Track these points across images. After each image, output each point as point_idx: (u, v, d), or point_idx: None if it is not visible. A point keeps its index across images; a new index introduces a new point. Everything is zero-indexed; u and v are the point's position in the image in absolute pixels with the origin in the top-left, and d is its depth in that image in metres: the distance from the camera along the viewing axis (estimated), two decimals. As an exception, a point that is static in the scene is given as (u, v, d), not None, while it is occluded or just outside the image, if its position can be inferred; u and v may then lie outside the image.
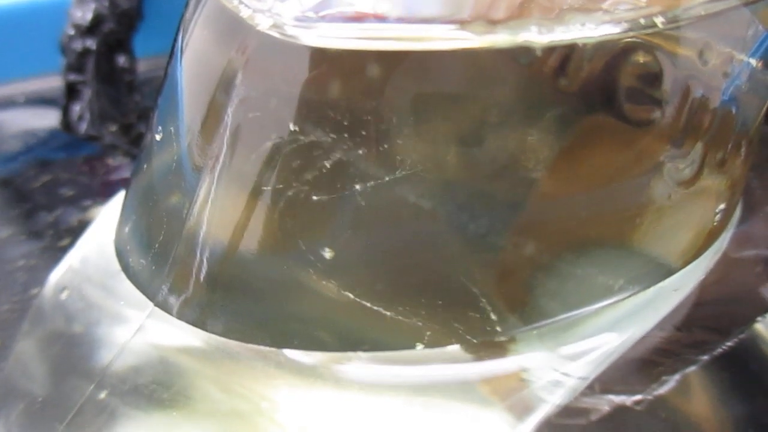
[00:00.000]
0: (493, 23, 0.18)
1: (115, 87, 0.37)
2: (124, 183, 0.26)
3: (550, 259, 0.20)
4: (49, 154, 0.36)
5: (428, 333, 0.20)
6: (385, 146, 0.19)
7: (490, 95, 0.19)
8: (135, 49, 0.39)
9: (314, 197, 0.19)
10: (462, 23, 0.18)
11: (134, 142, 0.36)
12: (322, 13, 0.19)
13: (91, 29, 0.37)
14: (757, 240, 0.25)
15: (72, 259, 0.25)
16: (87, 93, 0.36)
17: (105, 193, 0.33)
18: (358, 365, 0.20)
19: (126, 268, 0.23)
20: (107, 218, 0.25)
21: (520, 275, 0.20)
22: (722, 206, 0.23)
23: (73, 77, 0.37)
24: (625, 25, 0.19)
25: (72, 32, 0.37)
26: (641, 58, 0.19)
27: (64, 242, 0.30)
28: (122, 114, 0.37)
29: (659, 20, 0.19)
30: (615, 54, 0.19)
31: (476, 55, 0.18)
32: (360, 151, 0.19)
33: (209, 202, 0.20)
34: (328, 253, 0.20)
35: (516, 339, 0.21)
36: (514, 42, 0.18)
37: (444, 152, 0.19)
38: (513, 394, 0.20)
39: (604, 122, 0.20)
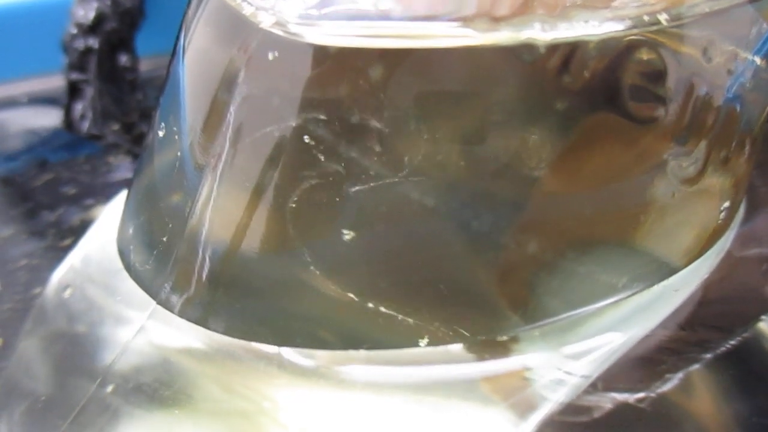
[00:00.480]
0: (496, 20, 0.18)
1: (118, 86, 0.37)
2: (127, 182, 0.26)
3: (553, 257, 0.20)
4: (51, 153, 0.36)
5: (430, 331, 0.20)
6: (388, 144, 0.19)
7: (493, 93, 0.19)
8: (137, 48, 0.39)
9: (316, 196, 0.19)
10: (465, 20, 0.18)
11: (136, 141, 0.36)
12: (324, 11, 0.19)
13: (93, 28, 0.37)
14: (762, 239, 0.25)
15: (74, 258, 0.25)
16: (89, 92, 0.36)
17: (107, 192, 0.33)
18: (360, 366, 0.20)
19: (128, 267, 0.23)
20: (109, 217, 0.25)
21: (523, 274, 0.20)
22: (726, 204, 0.23)
23: (75, 76, 0.37)
24: (628, 22, 0.19)
25: (74, 31, 0.37)
26: (645, 55, 0.19)
27: (67, 241, 0.30)
28: (124, 113, 0.37)
29: (663, 17, 0.19)
30: (619, 51, 0.19)
31: (479, 52, 0.18)
32: (362, 149, 0.19)
33: (211, 200, 0.20)
34: (330, 252, 0.20)
35: (519, 338, 0.21)
36: (518, 39, 0.18)
37: (447, 150, 0.19)
38: (515, 393, 0.20)
39: (607, 120, 0.19)
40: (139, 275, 0.22)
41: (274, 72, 0.19)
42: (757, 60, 0.21)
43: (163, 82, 0.23)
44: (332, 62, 0.19)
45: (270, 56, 0.19)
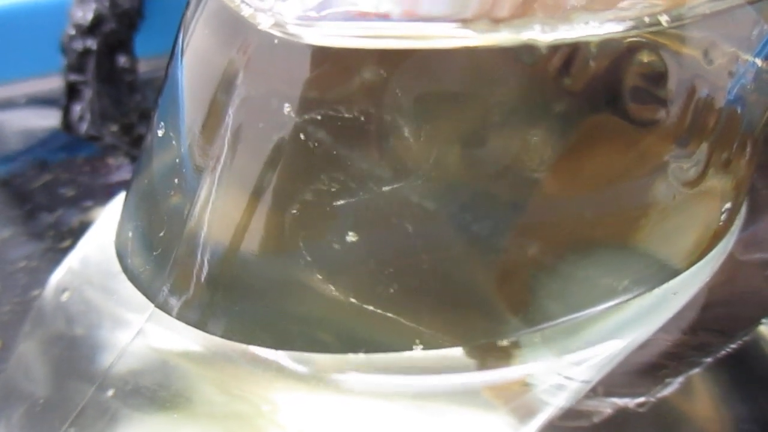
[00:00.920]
0: (496, 22, 0.18)
1: (116, 87, 0.37)
2: (125, 184, 0.26)
3: (554, 260, 0.20)
4: (49, 155, 0.36)
5: (430, 334, 0.20)
6: (388, 146, 0.19)
7: (494, 94, 0.19)
8: (136, 49, 0.39)
9: (315, 198, 0.19)
10: (465, 21, 0.18)
11: (135, 142, 0.36)
12: (323, 12, 0.19)
13: (91, 29, 0.37)
14: (764, 243, 0.25)
15: (73, 260, 0.25)
16: (88, 93, 0.36)
17: (106, 193, 0.33)
18: (359, 372, 0.20)
19: (127, 270, 0.23)
20: (108, 219, 0.25)
21: (523, 276, 0.20)
22: (727, 206, 0.23)
23: (73, 77, 0.37)
24: (629, 24, 0.19)
25: (72, 32, 0.37)
26: (646, 57, 0.19)
27: (65, 243, 0.30)
28: (123, 114, 0.37)
29: (664, 19, 0.19)
30: (619, 53, 0.19)
31: (479, 53, 0.18)
32: (362, 152, 0.19)
33: (210, 202, 0.20)
34: (328, 254, 0.20)
35: (519, 343, 0.20)
36: (518, 40, 0.18)
37: (447, 152, 0.19)
38: (516, 398, 0.20)
39: (608, 122, 0.19)
40: (138, 278, 0.22)
41: (273, 73, 0.19)
42: (759, 62, 0.21)
43: (162, 84, 0.23)
44: (331, 63, 0.19)
45: (269, 58, 0.19)
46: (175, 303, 0.21)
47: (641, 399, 0.20)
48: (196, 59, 0.21)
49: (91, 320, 0.23)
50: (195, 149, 0.21)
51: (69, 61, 0.37)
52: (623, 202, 0.20)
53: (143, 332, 0.21)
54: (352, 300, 0.20)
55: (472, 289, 0.20)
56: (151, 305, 0.21)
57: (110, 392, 0.21)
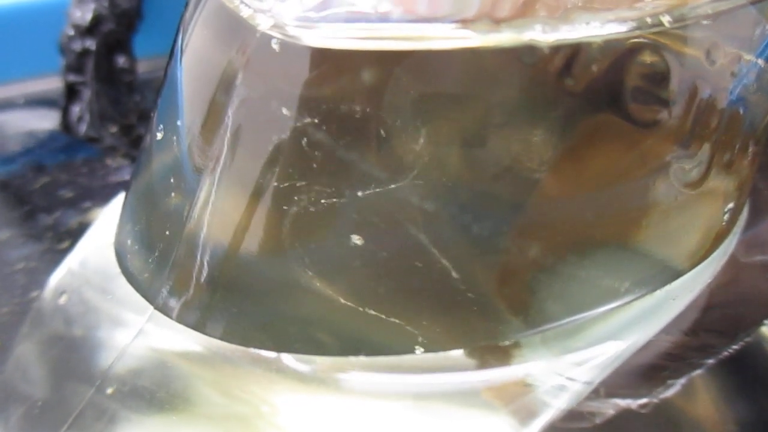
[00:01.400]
0: (497, 22, 0.18)
1: (115, 88, 0.37)
2: (124, 185, 0.26)
3: (555, 261, 0.20)
4: (48, 156, 0.36)
5: (431, 336, 0.20)
6: (388, 148, 0.19)
7: (495, 95, 0.19)
8: (135, 50, 0.39)
9: (315, 199, 0.19)
10: (465, 22, 0.18)
11: (134, 143, 0.36)
12: (323, 13, 0.19)
13: (90, 29, 0.37)
14: (766, 244, 0.25)
15: (72, 261, 0.25)
16: (86, 94, 0.36)
17: (105, 194, 0.33)
18: (359, 373, 0.20)
19: (126, 271, 0.23)
20: (107, 220, 0.25)
21: (524, 277, 0.20)
22: (729, 207, 0.23)
23: (72, 78, 0.37)
24: (631, 24, 0.18)
25: (71, 32, 0.37)
26: (648, 57, 0.19)
27: (64, 244, 0.30)
28: (122, 115, 0.37)
29: (666, 19, 0.19)
30: (621, 54, 0.19)
31: (480, 54, 0.18)
32: (362, 153, 0.19)
33: (210, 203, 0.20)
34: (328, 256, 0.19)
35: (520, 344, 0.20)
36: (519, 41, 0.18)
37: (447, 154, 0.19)
38: (517, 399, 0.20)
39: (610, 123, 0.19)
40: (137, 279, 0.22)
41: (273, 74, 0.19)
42: (761, 62, 0.21)
43: (161, 84, 0.23)
44: (331, 65, 0.19)
45: (268, 59, 0.19)
46: (174, 304, 0.21)
47: (643, 400, 0.20)
48: (195, 60, 0.21)
49: (90, 321, 0.23)
50: (194, 150, 0.21)
51: (68, 62, 0.37)
52: (625, 203, 0.20)
53: (143, 332, 0.21)
54: (352, 302, 0.20)
55: (473, 291, 0.20)
56: (151, 307, 0.21)
57: (109, 393, 0.21)
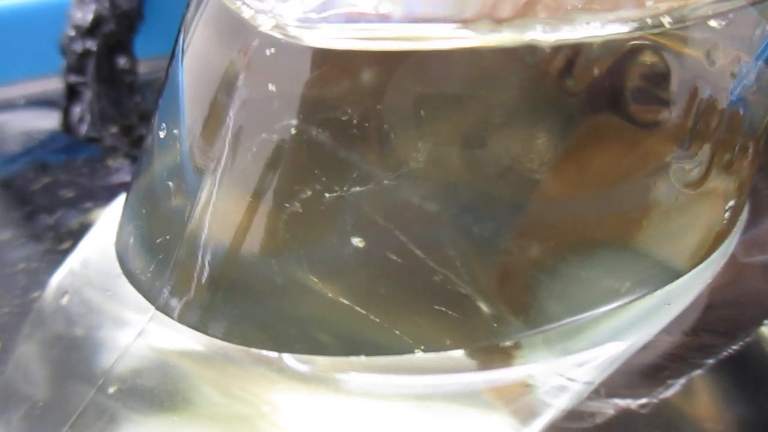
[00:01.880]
0: (497, 22, 0.18)
1: (116, 88, 0.37)
2: (125, 185, 0.26)
3: (555, 261, 0.20)
4: (49, 156, 0.36)
5: (431, 337, 0.20)
6: (389, 148, 0.19)
7: (495, 96, 0.19)
8: (136, 50, 0.39)
9: (316, 200, 0.19)
10: (466, 22, 0.18)
11: (135, 143, 0.36)
12: (324, 14, 0.19)
13: (91, 30, 0.36)
14: (766, 244, 0.25)
15: (73, 262, 0.25)
16: (87, 94, 0.36)
17: (106, 195, 0.33)
18: (360, 373, 0.20)
19: (127, 272, 0.23)
20: (108, 221, 0.25)
21: (525, 278, 0.20)
22: (730, 207, 0.23)
23: (73, 79, 0.37)
24: (631, 25, 0.19)
25: (72, 33, 0.37)
26: (648, 58, 0.19)
27: (65, 245, 0.30)
28: (123, 115, 0.37)
29: (666, 20, 0.19)
30: (622, 54, 0.19)
31: (481, 54, 0.18)
32: (363, 153, 0.19)
33: (211, 204, 0.20)
34: (329, 256, 0.19)
35: (521, 344, 0.20)
36: (519, 41, 0.18)
37: (448, 154, 0.19)
38: (518, 399, 0.20)
39: (610, 123, 0.19)
40: (138, 279, 0.22)
41: (274, 75, 0.19)
42: (761, 63, 0.21)
43: (162, 85, 0.23)
44: (332, 65, 0.19)
45: (269, 59, 0.19)
46: (175, 305, 0.21)
47: (643, 400, 0.20)
48: (196, 61, 0.21)
49: (91, 322, 0.23)
50: (196, 151, 0.21)
51: (69, 63, 0.37)
52: (625, 204, 0.20)
53: (145, 332, 0.21)
54: (353, 303, 0.20)
55: (474, 291, 0.20)
56: (152, 307, 0.21)
57: (110, 394, 0.21)
